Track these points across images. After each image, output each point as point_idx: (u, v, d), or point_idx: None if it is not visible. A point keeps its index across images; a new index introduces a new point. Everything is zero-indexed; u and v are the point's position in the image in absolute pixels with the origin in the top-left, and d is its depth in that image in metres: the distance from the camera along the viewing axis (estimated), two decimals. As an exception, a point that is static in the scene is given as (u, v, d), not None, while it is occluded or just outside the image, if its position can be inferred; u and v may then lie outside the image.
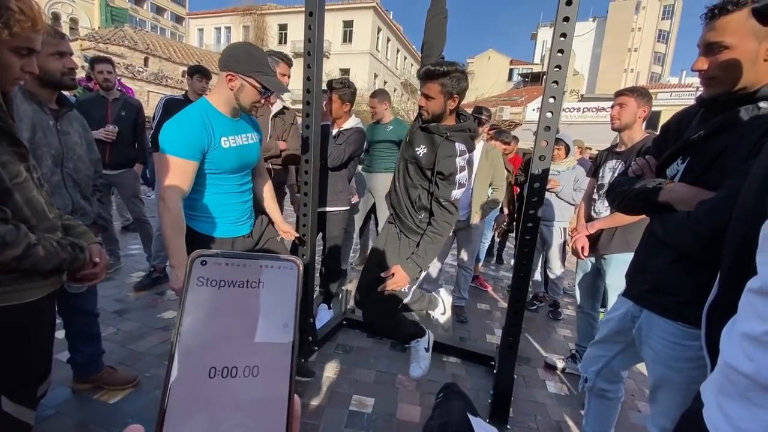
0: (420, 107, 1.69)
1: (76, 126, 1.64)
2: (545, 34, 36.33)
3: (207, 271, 0.27)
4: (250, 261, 0.28)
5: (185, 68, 9.93)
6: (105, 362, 1.97)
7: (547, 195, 3.27)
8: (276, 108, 2.54)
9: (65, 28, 29.15)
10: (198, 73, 3.18)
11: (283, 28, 28.25)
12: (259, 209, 1.88)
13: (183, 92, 3.26)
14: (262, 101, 1.60)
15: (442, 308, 2.07)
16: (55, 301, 1.20)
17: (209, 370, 0.25)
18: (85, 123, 1.73)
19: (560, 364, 2.55)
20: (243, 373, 0.25)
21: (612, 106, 2.32)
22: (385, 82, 29.60)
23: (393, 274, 1.74)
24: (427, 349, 1.96)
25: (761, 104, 0.98)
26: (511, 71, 32.94)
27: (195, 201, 1.55)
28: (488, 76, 27.93)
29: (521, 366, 2.58)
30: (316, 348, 2.46)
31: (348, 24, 27.03)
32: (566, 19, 1.49)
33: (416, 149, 1.71)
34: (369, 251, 2.08)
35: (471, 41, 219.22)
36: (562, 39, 1.51)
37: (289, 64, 2.51)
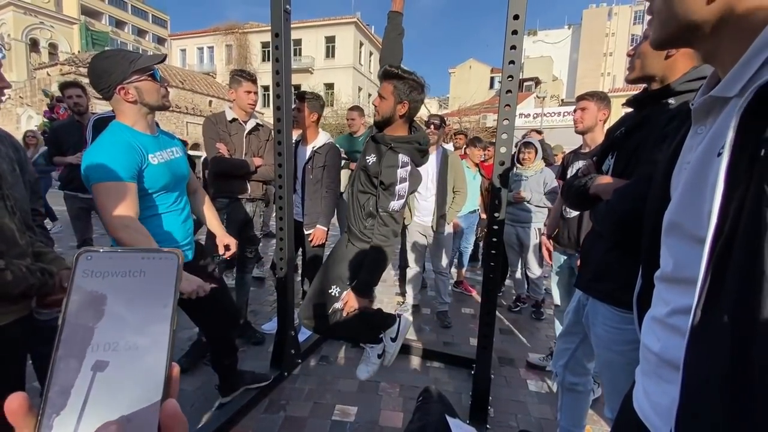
0: (374, 106, 1.74)
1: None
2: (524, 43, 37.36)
3: (92, 264, 0.32)
4: (131, 254, 0.33)
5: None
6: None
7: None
8: (250, 125, 2.58)
9: (44, 54, 29.04)
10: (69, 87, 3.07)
11: (266, 45, 28.50)
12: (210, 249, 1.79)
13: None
14: (166, 90, 1.49)
15: (395, 332, 1.89)
16: (26, 329, 1.17)
17: (92, 346, 0.29)
18: (16, 142, 1.47)
19: (543, 362, 2.61)
20: (124, 348, 0.30)
21: (574, 110, 2.44)
22: (370, 95, 29.96)
23: (347, 300, 1.76)
24: (379, 355, 1.91)
25: (670, 100, 1.12)
26: (492, 79, 33.61)
27: None
28: (470, 85, 28.48)
29: (504, 367, 2.62)
30: (300, 360, 2.47)
31: (330, 39, 27.41)
32: (515, 32, 1.58)
33: (366, 157, 1.76)
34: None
35: (452, 52, 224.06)
36: (512, 51, 1.60)
37: (253, 80, 2.55)
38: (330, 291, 1.82)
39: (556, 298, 2.61)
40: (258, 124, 2.63)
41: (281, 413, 2.04)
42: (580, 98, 2.40)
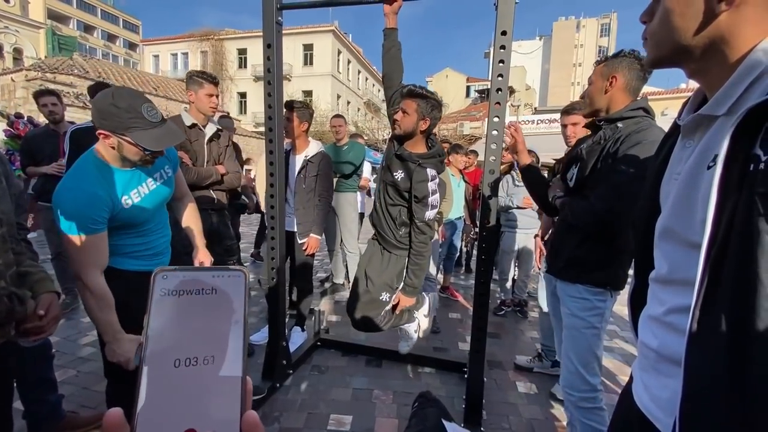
0: (395, 121, 1.86)
1: None
2: (497, 53, 38.50)
3: (168, 283, 0.33)
4: (203, 273, 0.35)
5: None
6: (67, 407, 1.87)
7: (510, 203, 3.48)
8: (210, 131, 2.44)
9: (8, 59, 27.69)
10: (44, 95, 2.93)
11: (242, 52, 28.23)
12: (185, 248, 1.74)
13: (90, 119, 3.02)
14: (154, 156, 1.36)
15: (426, 309, 2.20)
16: (7, 353, 1.11)
17: (174, 362, 0.31)
18: (1, 154, 1.43)
19: (530, 364, 2.68)
20: (203, 362, 0.32)
21: (565, 126, 2.49)
22: (348, 102, 30.06)
23: (399, 302, 2.04)
24: (415, 330, 2.20)
25: (619, 124, 1.47)
26: (468, 88, 34.42)
27: (109, 243, 1.37)
28: (447, 93, 29.04)
29: (493, 370, 2.68)
30: (291, 371, 2.45)
31: (308, 47, 27.42)
32: (503, 47, 1.66)
33: (394, 174, 1.89)
34: (355, 272, 2.20)
35: (429, 61, 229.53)
36: (500, 64, 1.68)
37: (215, 83, 2.39)
38: (381, 298, 2.01)
39: (543, 302, 2.68)
40: (219, 129, 2.51)
41: (275, 425, 2.02)
42: (568, 113, 2.45)
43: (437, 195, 1.84)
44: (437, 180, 1.85)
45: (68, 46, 28.47)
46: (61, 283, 3.31)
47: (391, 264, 2.01)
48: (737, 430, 0.51)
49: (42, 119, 3.13)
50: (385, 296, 2.02)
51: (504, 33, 1.64)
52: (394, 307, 2.07)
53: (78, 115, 11.46)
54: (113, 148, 1.30)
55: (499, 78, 1.69)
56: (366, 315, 2.04)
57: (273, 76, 1.99)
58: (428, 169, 1.82)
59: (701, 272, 0.55)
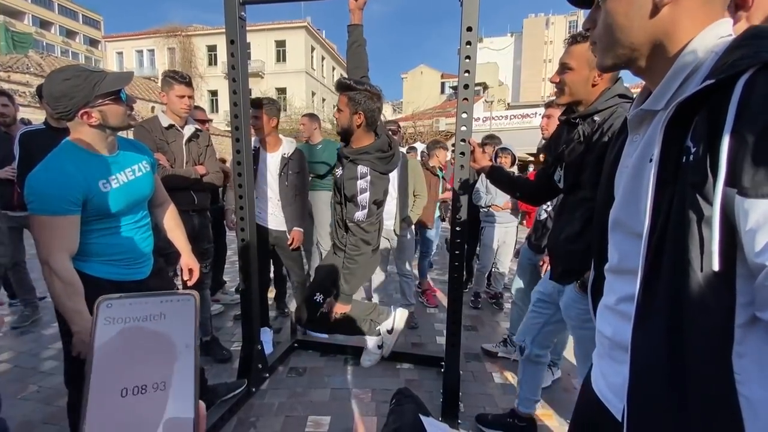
0: (335, 119, 1.82)
1: None
2: (471, 49, 38.96)
3: (113, 311, 0.32)
4: (151, 298, 0.34)
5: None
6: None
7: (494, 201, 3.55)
8: (188, 131, 2.41)
9: (-46, 56, 25.84)
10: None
11: (212, 49, 27.40)
12: (161, 250, 1.72)
13: (43, 120, 2.77)
14: (131, 108, 1.41)
15: (390, 325, 2.05)
16: None
17: (121, 391, 0.30)
18: None
19: (495, 349, 2.79)
20: (152, 388, 0.31)
21: (542, 117, 2.56)
22: (324, 99, 29.74)
23: (334, 310, 1.93)
24: (380, 346, 2.03)
25: (596, 117, 1.37)
26: (443, 84, 34.68)
27: (83, 245, 1.33)
28: (422, 90, 29.18)
29: (470, 362, 2.72)
30: (267, 375, 2.41)
31: (281, 44, 26.90)
32: (468, 43, 1.67)
33: (336, 170, 1.84)
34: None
35: (403, 58, 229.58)
36: (467, 60, 1.69)
37: (187, 83, 2.34)
38: (315, 298, 1.92)
39: (516, 291, 2.74)
40: (197, 130, 2.47)
41: (251, 431, 1.98)
42: (548, 106, 2.49)
43: (366, 194, 1.73)
44: (369, 178, 1.73)
45: (24, 42, 26.72)
46: (20, 294, 3.14)
47: (331, 264, 1.94)
48: (680, 414, 0.53)
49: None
50: (318, 297, 1.93)
51: (469, 29, 1.65)
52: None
53: (35, 116, 10.80)
54: (99, 123, 1.29)
55: (466, 74, 1.70)
56: (304, 312, 1.98)
57: (238, 72, 1.93)
58: (359, 166, 1.72)
59: (643, 262, 0.57)
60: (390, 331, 2.03)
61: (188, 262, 1.77)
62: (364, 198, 1.72)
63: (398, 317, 2.04)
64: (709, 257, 0.50)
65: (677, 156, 0.54)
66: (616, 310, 0.69)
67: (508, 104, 28.87)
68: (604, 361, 0.74)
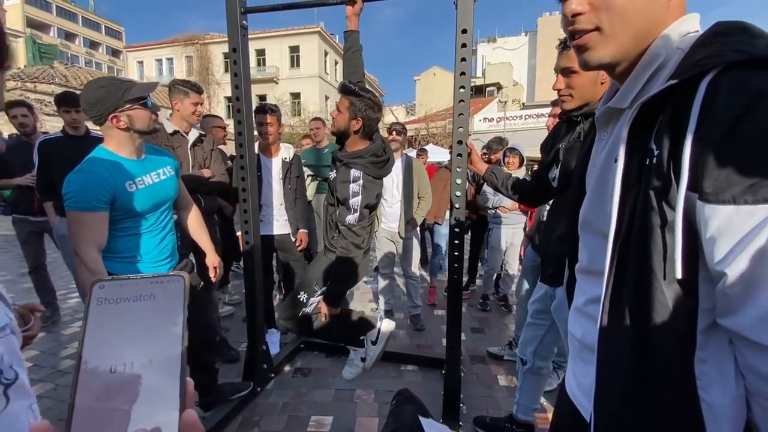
0: (332, 117, 1.81)
1: None
2: (483, 50, 38.55)
3: (105, 292, 0.35)
4: (142, 280, 0.36)
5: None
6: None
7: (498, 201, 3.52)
8: (192, 136, 2.48)
9: (-14, 69, 27.10)
10: (64, 104, 2.76)
11: (228, 56, 27.93)
12: (187, 248, 1.82)
13: (61, 128, 2.89)
14: (156, 115, 1.54)
15: (374, 336, 1.97)
16: None
17: (111, 368, 0.32)
18: None
19: (501, 352, 2.76)
20: (140, 366, 0.32)
21: (549, 117, 2.55)
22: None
23: (321, 310, 1.87)
24: (363, 358, 2.00)
25: None
26: (456, 85, 34.43)
27: (109, 243, 1.48)
28: (435, 91, 29.06)
29: (475, 364, 2.70)
30: (273, 375, 2.45)
31: (294, 49, 27.25)
32: (464, 45, 1.67)
33: (330, 173, 1.86)
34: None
35: (416, 60, 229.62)
36: (463, 62, 1.69)
37: (200, 92, 2.45)
38: (299, 297, 1.90)
39: (522, 293, 2.71)
40: (201, 135, 2.55)
41: (255, 429, 2.02)
42: (555, 104, 2.48)
43: (358, 198, 1.73)
44: (361, 182, 1.73)
45: (49, 54, 27.96)
46: (40, 296, 3.27)
47: (321, 265, 1.92)
48: (644, 418, 0.53)
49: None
50: (302, 296, 1.90)
51: (464, 31, 1.66)
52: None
53: (60, 125, 11.29)
54: (126, 127, 1.43)
55: (462, 76, 1.70)
56: (285, 310, 1.98)
57: (240, 80, 1.99)
58: (352, 170, 1.72)
59: (608, 265, 0.56)
60: (374, 343, 1.96)
61: (213, 260, 1.94)
62: (355, 202, 1.72)
63: (384, 328, 1.97)
64: (672, 265, 0.49)
65: (641, 158, 0.53)
66: (585, 312, 0.69)
67: (523, 104, 28.47)
68: (575, 362, 0.74)
